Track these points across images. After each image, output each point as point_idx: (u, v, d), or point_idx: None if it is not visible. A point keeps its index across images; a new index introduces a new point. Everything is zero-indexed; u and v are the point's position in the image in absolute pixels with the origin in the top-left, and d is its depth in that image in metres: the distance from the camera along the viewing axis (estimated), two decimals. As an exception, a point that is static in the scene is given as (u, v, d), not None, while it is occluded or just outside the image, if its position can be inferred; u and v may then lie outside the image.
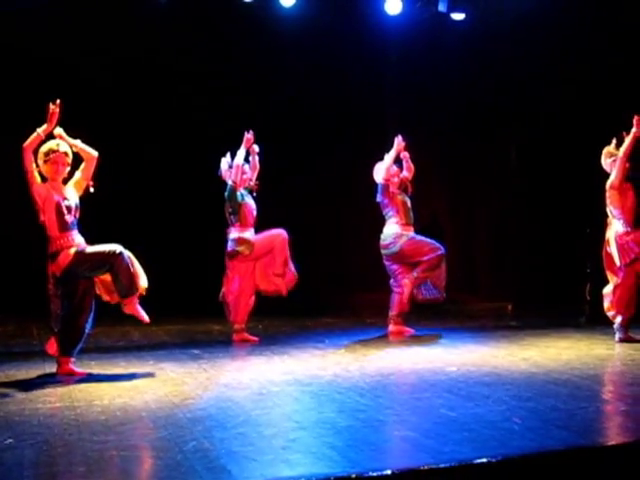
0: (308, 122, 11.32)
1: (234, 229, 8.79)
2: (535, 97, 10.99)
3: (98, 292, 7.21)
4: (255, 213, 8.88)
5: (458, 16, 10.73)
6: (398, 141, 9.09)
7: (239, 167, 8.67)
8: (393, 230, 9.14)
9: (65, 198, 6.98)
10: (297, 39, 11.01)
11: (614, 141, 8.37)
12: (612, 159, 8.34)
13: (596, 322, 9.03)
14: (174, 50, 10.76)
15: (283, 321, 10.25)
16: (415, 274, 9.05)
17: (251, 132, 8.70)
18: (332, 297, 11.01)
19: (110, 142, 8.73)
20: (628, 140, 8.22)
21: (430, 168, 11.04)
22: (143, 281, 7.13)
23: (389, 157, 9.09)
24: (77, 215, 7.06)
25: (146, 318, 7.20)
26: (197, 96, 10.94)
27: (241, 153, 8.67)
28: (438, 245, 9.08)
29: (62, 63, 10.37)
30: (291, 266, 8.85)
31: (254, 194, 8.97)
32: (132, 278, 7.02)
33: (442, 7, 10.54)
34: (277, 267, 8.81)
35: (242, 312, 8.87)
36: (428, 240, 9.14)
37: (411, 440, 4.78)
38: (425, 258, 9.01)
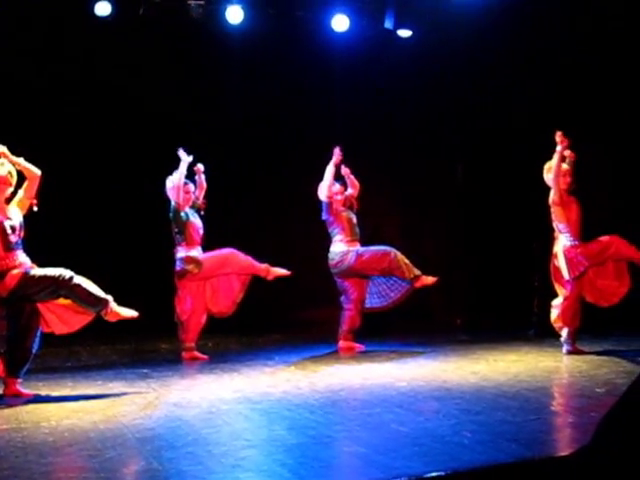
0: (256, 139, 11.30)
1: (181, 248, 8.75)
2: (482, 113, 11.09)
3: (47, 330, 7.10)
4: (202, 232, 8.85)
5: (405, 33, 10.79)
6: (335, 152, 9.16)
7: (179, 187, 8.66)
8: (340, 248, 9.18)
9: (8, 218, 6.89)
10: (244, 56, 10.99)
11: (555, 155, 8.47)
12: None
13: (544, 335, 9.10)
14: (118, 67, 10.68)
15: (232, 338, 10.20)
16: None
17: (185, 154, 8.66)
18: (282, 314, 10.99)
19: (55, 160, 8.65)
20: (555, 158, 8.32)
21: (377, 184, 11.07)
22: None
23: (328, 172, 9.16)
24: (22, 235, 6.97)
25: (134, 313, 7.15)
26: (144, 113, 10.86)
27: (179, 173, 8.64)
28: (384, 251, 9.11)
29: (3, 80, 10.24)
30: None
31: (202, 213, 8.94)
32: (93, 294, 6.94)
33: (388, 24, 10.60)
34: (235, 293, 8.84)
35: (193, 330, 8.83)
36: (374, 249, 9.18)
37: (362, 456, 4.77)
38: (379, 269, 9.07)
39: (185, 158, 8.67)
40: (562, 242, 8.41)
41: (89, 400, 6.69)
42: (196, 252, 8.74)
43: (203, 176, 9.03)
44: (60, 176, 9.38)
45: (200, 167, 9.00)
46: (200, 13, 10.20)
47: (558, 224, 8.45)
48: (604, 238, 8.44)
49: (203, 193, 9.03)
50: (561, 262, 8.41)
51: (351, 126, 11.49)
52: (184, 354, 8.79)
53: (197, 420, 5.81)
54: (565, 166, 8.44)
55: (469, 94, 11.13)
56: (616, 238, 8.42)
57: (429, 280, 9.15)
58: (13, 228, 6.88)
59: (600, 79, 10.35)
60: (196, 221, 8.83)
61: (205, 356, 8.80)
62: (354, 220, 9.28)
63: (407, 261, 9.10)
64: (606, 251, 8.40)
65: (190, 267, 8.69)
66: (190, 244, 8.74)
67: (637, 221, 9.88)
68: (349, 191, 9.39)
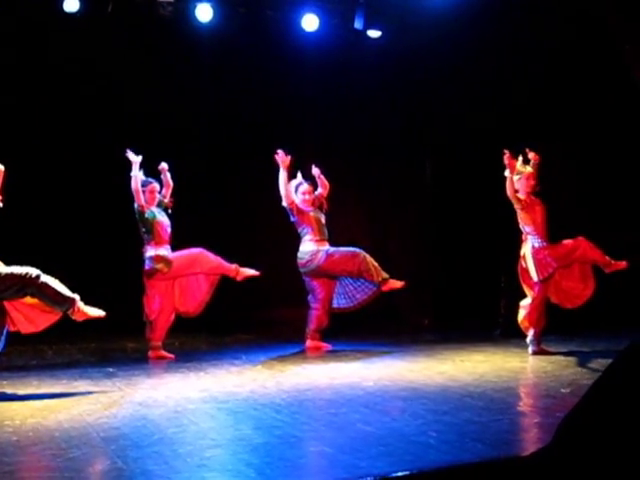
0: (224, 137, 11.28)
1: (149, 247, 8.71)
2: (450, 113, 11.12)
3: (14, 328, 7.05)
4: (169, 230, 8.81)
5: (374, 33, 10.81)
6: (279, 157, 9.13)
7: (137, 190, 8.61)
8: (309, 248, 9.18)
9: None
10: (213, 54, 10.96)
11: (520, 158, 8.53)
12: (519, 176, 8.49)
13: (511, 335, 9.14)
14: (85, 64, 10.61)
15: (199, 338, 10.17)
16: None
17: (133, 154, 8.62)
18: (249, 313, 10.97)
19: (20, 158, 8.60)
20: (508, 182, 8.38)
21: (345, 184, 11.09)
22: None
23: (281, 179, 9.14)
24: None
25: (101, 313, 7.10)
26: (111, 110, 10.80)
27: (132, 176, 8.61)
28: (353, 252, 9.13)
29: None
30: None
31: (169, 211, 8.91)
32: (60, 293, 6.89)
33: (358, 24, 10.61)
34: (203, 293, 8.83)
35: (161, 330, 8.80)
36: (343, 250, 9.19)
37: (327, 455, 4.78)
38: (348, 270, 9.09)
39: (134, 159, 8.63)
40: (530, 244, 8.47)
41: (54, 399, 6.65)
42: (165, 251, 8.71)
43: (168, 174, 9.01)
44: (25, 173, 9.34)
45: (164, 166, 8.97)
46: (169, 11, 10.16)
47: (524, 227, 8.50)
48: (570, 241, 8.50)
49: (170, 191, 9.00)
50: (529, 264, 8.45)
51: (320, 126, 11.50)
52: (151, 353, 8.75)
53: (163, 419, 5.79)
54: (529, 169, 8.51)
55: (437, 94, 11.16)
56: (583, 241, 8.49)
57: (397, 284, 9.18)
58: None
59: (568, 79, 10.40)
60: (164, 219, 8.79)
61: (171, 355, 8.77)
62: (323, 220, 9.28)
63: (376, 264, 9.12)
64: (573, 253, 8.46)
65: (159, 266, 8.66)
66: (159, 243, 8.70)
67: (602, 222, 9.97)
68: (319, 191, 9.39)
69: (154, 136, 10.79)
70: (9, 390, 7.06)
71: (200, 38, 10.63)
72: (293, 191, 9.24)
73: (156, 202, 8.82)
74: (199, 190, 10.92)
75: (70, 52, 10.50)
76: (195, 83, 11.13)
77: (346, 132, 11.56)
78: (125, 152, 8.66)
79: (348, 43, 10.99)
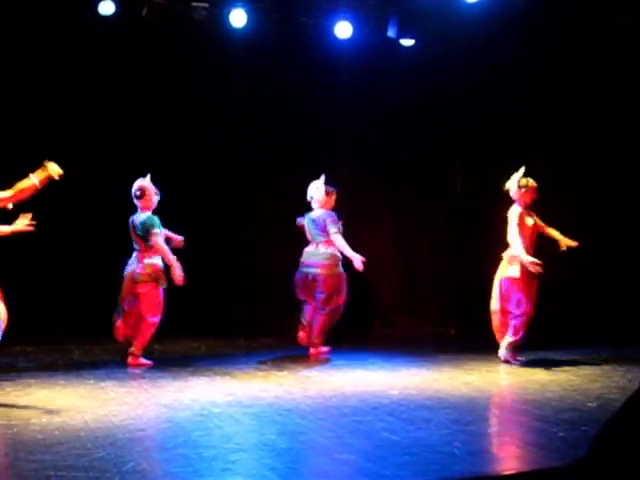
0: (256, 144, 11.31)
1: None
2: (483, 128, 11.06)
3: None
4: None
5: (407, 42, 10.79)
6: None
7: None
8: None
9: None
10: (246, 59, 10.99)
11: (522, 169, 8.56)
12: (525, 189, 8.51)
13: (537, 347, 9.08)
14: (119, 66, 10.68)
15: (225, 342, 10.19)
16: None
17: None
18: (275, 318, 10.98)
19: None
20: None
21: (373, 196, 11.10)
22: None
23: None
24: None
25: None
26: (145, 115, 10.86)
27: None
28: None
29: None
30: None
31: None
32: None
33: (391, 33, 10.60)
34: None
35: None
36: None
37: (352, 463, 4.77)
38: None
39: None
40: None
41: (80, 399, 6.69)
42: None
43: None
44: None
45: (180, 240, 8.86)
46: (203, 16, 10.19)
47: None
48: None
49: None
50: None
51: (350, 135, 11.49)
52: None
53: (188, 422, 5.81)
54: (531, 182, 8.53)
55: (470, 104, 11.12)
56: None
57: None
58: None
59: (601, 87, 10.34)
60: None
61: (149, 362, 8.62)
62: None
63: None
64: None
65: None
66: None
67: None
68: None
69: (185, 140, 10.85)
70: (36, 389, 7.11)
71: (233, 43, 10.65)
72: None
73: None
74: (232, 191, 10.95)
75: (104, 55, 10.57)
76: (228, 88, 11.16)
77: (376, 142, 11.54)
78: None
79: (381, 51, 10.98)
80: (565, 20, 10.14)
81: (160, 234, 8.45)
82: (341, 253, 9.06)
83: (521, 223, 8.51)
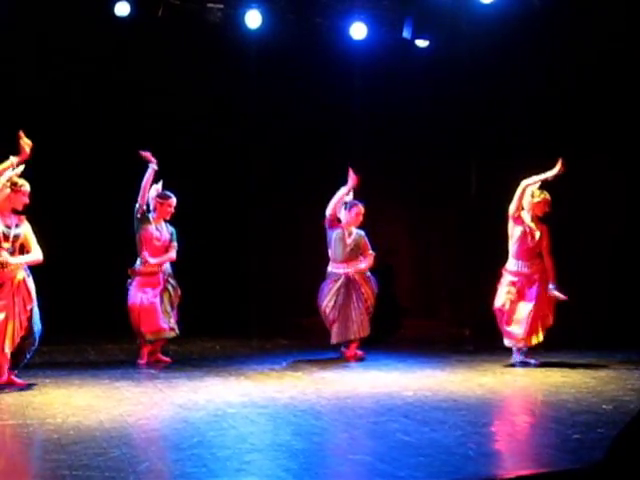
0: (270, 145, 11.33)
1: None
2: (499, 129, 11.04)
3: None
4: (158, 244, 8.70)
5: (422, 43, 10.78)
6: (351, 176, 8.89)
7: (145, 189, 8.50)
8: None
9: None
10: (261, 61, 11.02)
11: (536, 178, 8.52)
12: (538, 199, 8.47)
13: (552, 349, 9.06)
14: (134, 67, 10.72)
15: (240, 342, 10.20)
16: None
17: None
18: (290, 319, 10.99)
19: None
20: (540, 177, 8.42)
21: (388, 196, 11.08)
22: None
23: (341, 192, 8.89)
24: None
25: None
26: (160, 114, 10.89)
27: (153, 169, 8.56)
28: None
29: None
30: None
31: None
32: None
33: (406, 33, 10.59)
34: None
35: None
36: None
37: (366, 464, 4.77)
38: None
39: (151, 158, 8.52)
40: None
41: (96, 398, 6.72)
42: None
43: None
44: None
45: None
46: (219, 17, 10.21)
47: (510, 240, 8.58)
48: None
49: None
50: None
51: (364, 134, 11.49)
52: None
53: (203, 422, 5.82)
54: (546, 194, 8.49)
55: (485, 104, 11.10)
56: None
57: None
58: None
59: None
60: (153, 231, 8.65)
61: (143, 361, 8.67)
62: None
63: None
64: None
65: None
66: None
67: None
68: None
69: (198, 141, 10.87)
70: (52, 389, 7.13)
71: (249, 44, 10.69)
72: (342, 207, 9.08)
73: (169, 216, 8.70)
74: (247, 192, 10.98)
75: (119, 55, 10.61)
76: (243, 89, 11.19)
77: (391, 142, 11.54)
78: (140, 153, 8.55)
79: (395, 52, 10.98)
80: (581, 20, 10.12)
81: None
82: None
83: (521, 223, 8.48)
